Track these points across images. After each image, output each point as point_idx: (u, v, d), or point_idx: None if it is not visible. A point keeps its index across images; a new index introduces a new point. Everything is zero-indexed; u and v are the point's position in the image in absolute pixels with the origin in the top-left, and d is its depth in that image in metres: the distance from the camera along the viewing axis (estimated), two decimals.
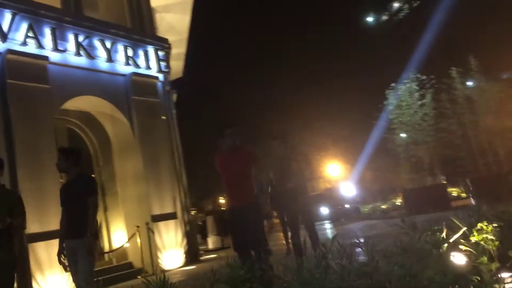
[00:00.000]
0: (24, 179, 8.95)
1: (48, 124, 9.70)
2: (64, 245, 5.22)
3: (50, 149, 9.51)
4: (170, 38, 19.39)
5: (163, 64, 12.72)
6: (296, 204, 6.49)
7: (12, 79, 9.24)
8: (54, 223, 7.67)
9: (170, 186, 12.06)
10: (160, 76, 12.68)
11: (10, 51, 9.27)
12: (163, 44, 12.98)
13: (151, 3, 16.20)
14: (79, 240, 5.05)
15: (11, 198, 5.02)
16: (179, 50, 21.20)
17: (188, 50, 22.03)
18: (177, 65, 23.05)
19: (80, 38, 10.67)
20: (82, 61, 10.75)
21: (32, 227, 8.57)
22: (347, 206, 22.95)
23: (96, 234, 5.26)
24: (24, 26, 9.61)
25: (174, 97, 14.07)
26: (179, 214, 12.19)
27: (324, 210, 22.37)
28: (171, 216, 11.82)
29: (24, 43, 9.54)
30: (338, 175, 34.35)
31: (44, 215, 8.89)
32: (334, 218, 22.04)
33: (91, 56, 10.86)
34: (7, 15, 9.36)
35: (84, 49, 10.73)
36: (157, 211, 11.49)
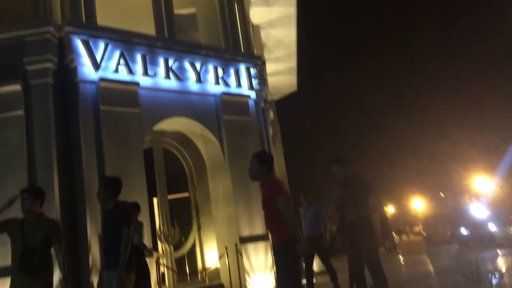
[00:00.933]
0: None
1: (137, 147, 10.08)
2: (103, 276, 5.21)
3: (139, 171, 9.89)
4: (279, 53, 19.41)
5: (255, 82, 12.54)
6: (356, 239, 5.75)
7: (105, 105, 9.78)
8: None
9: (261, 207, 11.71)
10: (252, 94, 12.50)
11: (103, 79, 9.84)
12: (255, 62, 12.83)
13: (253, 21, 16.35)
14: (112, 273, 5.00)
15: (48, 226, 5.11)
16: (290, 64, 21.09)
17: (299, 64, 21.77)
18: (290, 79, 22.97)
19: (170, 62, 10.98)
20: (172, 83, 11.04)
21: None
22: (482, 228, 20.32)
23: (129, 266, 5.14)
24: (116, 54, 10.15)
25: (271, 114, 13.84)
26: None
27: (462, 231, 20.48)
28: (261, 238, 11.49)
29: (116, 71, 10.06)
30: (483, 190, 30.96)
31: None
32: (462, 242, 19.95)
33: (181, 78, 11.11)
34: (101, 45, 9.97)
35: (174, 72, 11.01)
36: (246, 233, 11.27)
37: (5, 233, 5.14)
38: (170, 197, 11.83)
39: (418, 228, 44.51)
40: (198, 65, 11.47)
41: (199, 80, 11.44)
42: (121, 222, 5.10)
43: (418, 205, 52.88)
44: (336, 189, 6.59)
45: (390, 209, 57.95)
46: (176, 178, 12.16)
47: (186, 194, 12.24)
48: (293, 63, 21.42)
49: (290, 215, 4.58)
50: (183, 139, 12.09)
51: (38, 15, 9.88)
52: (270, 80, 22.48)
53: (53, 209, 8.93)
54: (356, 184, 6.30)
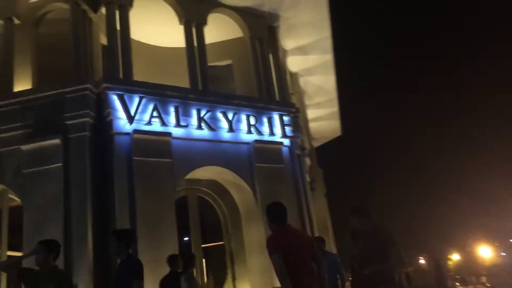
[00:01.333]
0: (144, 250, 9.49)
1: (169, 197, 10.28)
2: None
3: (170, 221, 10.05)
4: (320, 99, 19.47)
5: (288, 129, 12.59)
6: None
7: (138, 156, 10.14)
8: None
9: None
10: (286, 141, 12.53)
11: (136, 131, 10.26)
12: (289, 109, 12.92)
13: (292, 69, 16.65)
14: None
15: (60, 278, 5.26)
16: (331, 109, 21.08)
17: (341, 108, 21.71)
18: (334, 124, 22.87)
19: (203, 113, 11.30)
20: (204, 133, 11.30)
21: None
22: None
23: None
24: (150, 107, 10.60)
25: (307, 160, 13.75)
26: None
27: None
28: None
29: (149, 123, 10.47)
30: None
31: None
32: None
33: (213, 128, 11.37)
34: (136, 99, 10.46)
35: (207, 122, 11.29)
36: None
37: (21, 281, 5.37)
38: (205, 245, 11.84)
39: (483, 279, 41.63)
40: (230, 115, 11.71)
41: (231, 129, 11.65)
42: (132, 275, 5.13)
43: (485, 252, 49.64)
44: (349, 241, 6.34)
45: (455, 257, 54.76)
46: (211, 226, 12.21)
47: (221, 243, 12.21)
48: (334, 108, 21.38)
49: (278, 273, 4.43)
50: (217, 187, 12.21)
51: (79, 73, 10.59)
52: (313, 125, 22.53)
53: (86, 259, 9.20)
54: (376, 236, 6.05)
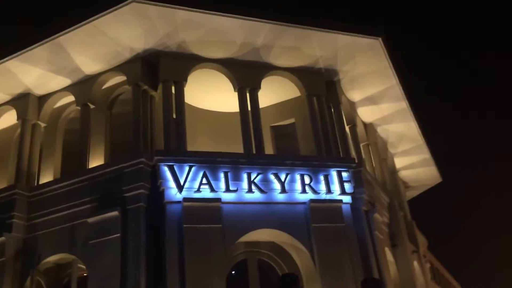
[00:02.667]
0: None
1: (218, 261, 10.45)
2: None
3: (219, 283, 10.15)
4: (406, 146, 18.58)
5: (348, 185, 12.14)
6: None
7: (188, 224, 10.57)
8: None
9: None
10: (346, 198, 12.06)
11: (186, 199, 10.75)
12: (348, 165, 12.51)
13: (364, 119, 16.25)
14: None
15: None
16: (422, 156, 19.94)
17: (435, 154, 20.42)
18: (430, 171, 21.47)
19: (253, 176, 11.46)
20: (257, 196, 11.41)
21: None
22: None
23: None
24: (200, 175, 11.07)
25: (377, 217, 13.02)
26: None
27: None
28: None
29: (198, 190, 10.90)
30: None
31: None
32: None
33: (264, 190, 11.43)
34: (186, 169, 11.03)
35: (258, 185, 11.41)
36: None
37: None
38: None
39: None
40: (283, 176, 11.70)
41: (284, 190, 11.60)
42: None
43: None
44: None
45: None
46: None
47: None
48: (425, 154, 20.10)
49: None
50: (276, 249, 12.05)
51: (138, 147, 11.52)
52: (406, 173, 21.34)
53: None
54: None
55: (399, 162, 20.55)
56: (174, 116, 12.10)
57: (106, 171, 11.45)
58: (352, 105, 15.84)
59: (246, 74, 13.16)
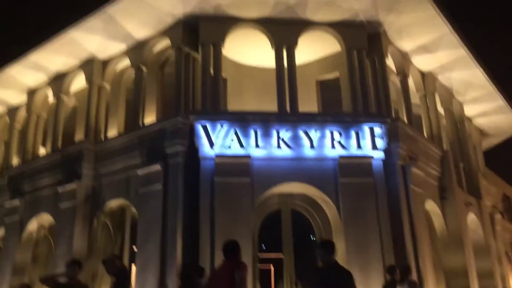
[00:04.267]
0: (220, 259, 10.95)
1: (246, 212, 11.48)
2: None
3: (246, 235, 11.25)
4: (475, 93, 17.75)
5: (379, 141, 12.24)
6: None
7: (219, 177, 11.65)
8: None
9: (381, 273, 11.25)
10: (377, 154, 12.23)
11: (218, 155, 11.77)
12: (383, 120, 12.52)
13: (422, 68, 15.81)
14: None
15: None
16: (496, 103, 18.92)
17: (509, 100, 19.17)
18: (507, 119, 20.31)
19: (282, 133, 12.07)
20: (286, 152, 12.05)
21: None
22: None
23: None
24: (231, 133, 11.96)
25: (415, 171, 12.97)
26: None
27: None
28: None
29: (229, 147, 11.84)
30: None
31: None
32: None
33: (293, 147, 12.02)
34: (218, 127, 11.96)
35: (288, 141, 12.03)
36: None
37: None
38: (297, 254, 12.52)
39: None
40: (312, 133, 12.14)
41: (315, 146, 12.07)
42: None
43: None
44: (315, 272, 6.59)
45: None
46: (306, 238, 12.82)
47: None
48: (499, 101, 18.88)
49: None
50: (309, 200, 12.70)
51: (178, 108, 12.66)
52: (481, 121, 20.40)
53: (176, 263, 11.15)
54: (339, 271, 6.29)
55: (470, 110, 19.57)
56: (212, 76, 12.93)
57: (152, 129, 12.79)
58: (405, 55, 15.36)
59: (282, 32, 13.43)
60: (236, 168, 11.72)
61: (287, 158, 12.08)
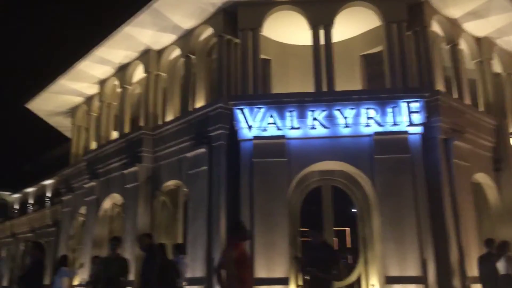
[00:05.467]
0: (259, 234, 11.88)
1: (282, 191, 12.17)
2: None
3: (282, 212, 12.02)
4: None
5: (417, 116, 12.17)
6: None
7: (257, 158, 12.41)
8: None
9: (416, 247, 11.44)
10: (414, 129, 12.20)
11: (256, 137, 12.50)
12: (421, 94, 12.38)
13: (477, 34, 15.31)
14: None
15: (122, 262, 8.53)
16: None
17: None
18: None
19: (317, 113, 12.45)
20: (320, 131, 12.46)
21: (261, 273, 11.43)
22: None
23: None
24: (267, 115, 12.58)
25: (458, 144, 12.73)
26: (430, 279, 11.34)
27: None
28: (413, 280, 11.26)
29: (265, 129, 12.50)
30: None
31: (272, 263, 11.53)
32: None
33: (328, 126, 12.39)
34: (255, 111, 12.63)
35: (319, 122, 12.40)
36: (394, 273, 11.37)
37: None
38: (337, 229, 12.98)
39: None
40: (347, 111, 12.38)
41: (350, 124, 12.34)
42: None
43: None
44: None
45: None
46: (346, 213, 13.22)
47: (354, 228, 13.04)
48: None
49: None
50: (349, 177, 13.00)
51: (220, 93, 13.50)
52: None
53: (220, 238, 12.21)
54: (325, 250, 7.02)
55: None
56: (251, 62, 13.56)
57: (198, 114, 13.79)
58: (454, 22, 14.77)
59: (318, 11, 13.58)
60: (272, 149, 12.37)
61: (323, 137, 12.47)
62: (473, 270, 11.75)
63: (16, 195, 37.45)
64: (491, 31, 15.39)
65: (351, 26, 14.82)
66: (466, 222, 12.33)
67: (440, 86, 13.93)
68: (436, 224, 11.87)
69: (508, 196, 14.14)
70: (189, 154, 13.63)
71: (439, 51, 14.89)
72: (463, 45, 15.47)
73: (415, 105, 12.26)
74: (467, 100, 14.76)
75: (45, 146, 35.99)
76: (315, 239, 7.21)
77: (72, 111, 21.73)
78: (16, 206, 37.51)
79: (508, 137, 14.64)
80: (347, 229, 13.30)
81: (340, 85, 13.68)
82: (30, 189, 37.03)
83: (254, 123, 12.56)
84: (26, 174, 38.26)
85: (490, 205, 14.34)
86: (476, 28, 15.15)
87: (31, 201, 37.73)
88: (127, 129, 16.99)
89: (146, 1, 14.00)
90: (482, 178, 14.14)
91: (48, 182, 31.06)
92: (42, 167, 35.31)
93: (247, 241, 6.99)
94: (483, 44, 15.66)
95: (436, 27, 14.48)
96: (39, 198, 35.43)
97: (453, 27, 14.70)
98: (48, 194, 31.74)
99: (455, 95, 14.07)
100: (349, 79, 14.85)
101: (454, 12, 14.30)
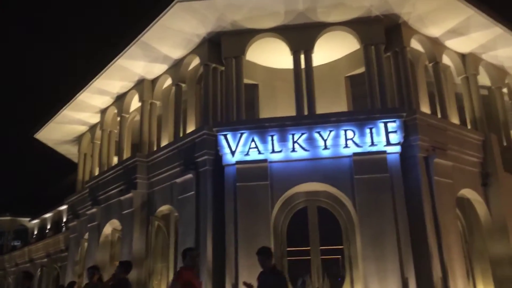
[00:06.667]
0: (243, 257, 12.20)
1: (265, 213, 12.50)
2: None
3: (266, 234, 12.33)
4: None
5: (393, 136, 12.42)
6: None
7: (240, 182, 12.80)
8: None
9: (397, 266, 11.57)
10: (392, 149, 12.43)
11: (238, 162, 12.91)
12: (398, 114, 12.63)
13: (462, 51, 15.46)
14: None
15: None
16: None
17: None
18: None
19: (297, 136, 12.80)
20: (302, 153, 12.79)
21: None
22: None
23: None
24: (249, 140, 13.00)
25: (438, 161, 12.86)
26: None
27: None
28: None
29: (247, 154, 12.91)
30: None
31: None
32: None
33: (307, 149, 12.72)
34: (238, 136, 13.07)
35: (300, 145, 12.75)
36: None
37: None
38: (323, 249, 13.15)
39: None
40: (326, 134, 12.71)
41: (330, 146, 12.65)
42: None
43: None
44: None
45: None
46: (331, 233, 13.40)
47: (339, 247, 13.19)
48: None
49: None
50: (334, 198, 13.23)
51: (205, 120, 14.00)
52: None
53: (207, 259, 12.57)
54: (274, 275, 7.27)
55: None
56: (234, 88, 14.05)
57: (187, 140, 14.28)
58: (436, 40, 15.02)
59: (298, 37, 14.03)
60: (255, 172, 12.75)
61: (304, 159, 12.79)
62: (457, 287, 11.81)
63: (35, 221, 38.59)
64: (475, 47, 15.58)
65: (335, 48, 15.24)
66: (449, 239, 12.39)
67: (424, 104, 14.20)
68: (418, 242, 11.98)
69: (497, 211, 14.14)
70: (178, 180, 14.10)
71: (423, 68, 15.15)
72: (448, 62, 15.68)
73: (392, 125, 12.52)
74: (453, 116, 14.94)
75: (62, 173, 37.18)
76: (264, 265, 7.44)
77: (78, 140, 22.58)
78: (35, 232, 38.64)
79: (495, 151, 14.67)
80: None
81: (327, 107, 14.09)
82: (47, 215, 38.09)
83: (237, 148, 12.98)
84: (44, 200, 39.44)
85: (480, 221, 14.34)
86: (459, 45, 15.37)
87: (49, 226, 38.78)
88: (126, 156, 17.61)
89: (135, 35, 14.68)
90: (470, 193, 14.19)
91: (64, 207, 31.96)
92: (59, 193, 36.36)
93: (195, 270, 7.29)
94: (468, 60, 15.84)
95: (418, 46, 14.75)
96: (56, 223, 36.44)
97: (435, 45, 14.94)
98: (64, 219, 32.65)
99: (439, 112, 14.24)
100: (335, 100, 15.21)
101: (434, 31, 14.57)
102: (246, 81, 14.96)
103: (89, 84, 17.81)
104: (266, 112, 15.28)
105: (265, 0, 13.05)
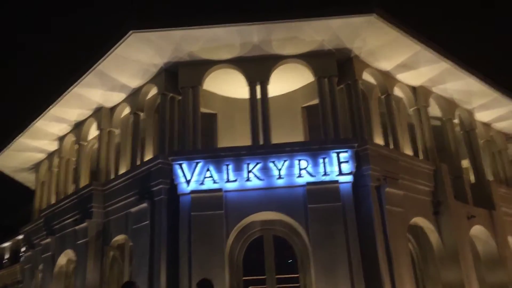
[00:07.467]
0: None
1: (219, 243, 12.47)
2: None
3: (220, 264, 12.28)
4: (481, 101, 17.55)
5: (345, 166, 12.70)
6: None
7: (195, 211, 12.77)
8: None
9: None
10: (344, 178, 12.69)
11: (193, 191, 12.90)
12: (350, 145, 12.95)
13: (413, 83, 15.99)
14: None
15: None
16: (508, 107, 18.43)
17: None
18: None
19: (252, 166, 12.93)
20: (256, 183, 12.90)
21: None
22: None
23: None
24: (204, 169, 13.04)
25: (390, 191, 13.18)
26: None
27: None
28: None
29: (203, 183, 12.93)
30: None
31: None
32: None
33: (262, 178, 12.85)
34: (193, 165, 13.10)
35: (255, 174, 12.87)
36: None
37: None
38: (279, 277, 13.17)
39: None
40: (281, 163, 12.89)
41: (283, 175, 12.81)
42: None
43: None
44: None
45: None
46: (287, 262, 13.45)
47: (296, 275, 13.23)
48: (509, 106, 18.25)
49: None
50: (289, 226, 13.33)
51: (161, 149, 14.01)
52: (503, 125, 19.80)
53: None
54: None
55: (485, 116, 19.11)
56: (190, 117, 14.15)
57: (142, 169, 14.22)
58: (388, 74, 15.59)
59: (254, 68, 14.36)
60: (210, 202, 12.77)
61: (258, 188, 12.90)
62: None
63: None
64: (425, 81, 16.24)
65: (291, 80, 15.60)
66: (400, 266, 12.62)
67: (377, 134, 14.60)
68: (370, 270, 12.16)
69: (449, 238, 14.51)
70: (133, 209, 13.96)
71: (377, 100, 15.64)
72: (401, 94, 16.26)
73: (344, 155, 12.82)
74: (405, 146, 15.40)
75: (21, 201, 36.13)
76: None
77: (36, 167, 22.10)
78: None
79: (446, 181, 15.14)
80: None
81: (284, 136, 14.30)
82: (5, 244, 36.74)
83: (192, 177, 13.00)
84: (2, 228, 38.11)
85: (433, 248, 14.67)
86: (409, 78, 15.99)
87: (7, 256, 37.35)
88: (84, 184, 17.33)
89: (92, 64, 14.68)
90: (422, 222, 14.55)
91: (21, 237, 30.94)
92: (17, 222, 35.22)
93: None
94: (419, 93, 16.46)
95: (371, 79, 15.26)
96: (14, 253, 35.18)
97: (387, 78, 15.50)
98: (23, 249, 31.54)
99: (391, 142, 14.67)
100: (292, 130, 15.48)
101: (385, 65, 15.14)
102: (205, 110, 15.14)
103: (45, 111, 17.58)
104: (224, 141, 15.39)
105: (221, 32, 13.31)
